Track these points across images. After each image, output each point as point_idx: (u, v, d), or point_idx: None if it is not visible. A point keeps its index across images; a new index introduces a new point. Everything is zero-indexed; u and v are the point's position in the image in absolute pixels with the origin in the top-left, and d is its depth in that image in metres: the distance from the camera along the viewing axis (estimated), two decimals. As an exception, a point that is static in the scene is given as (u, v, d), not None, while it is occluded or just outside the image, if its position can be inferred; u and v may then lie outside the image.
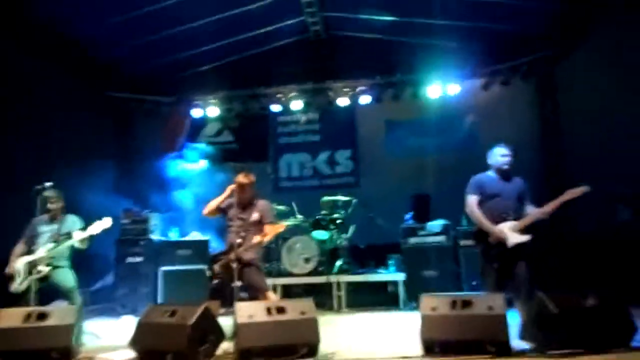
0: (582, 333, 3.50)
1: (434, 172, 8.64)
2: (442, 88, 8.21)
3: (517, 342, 3.73)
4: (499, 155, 4.45)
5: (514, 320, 3.94)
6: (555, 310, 3.55)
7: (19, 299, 4.68)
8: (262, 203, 4.74)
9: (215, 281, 4.52)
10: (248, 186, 4.63)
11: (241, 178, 4.65)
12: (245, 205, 4.65)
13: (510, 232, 4.21)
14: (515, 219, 4.27)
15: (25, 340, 3.96)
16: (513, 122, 8.23)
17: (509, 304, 3.93)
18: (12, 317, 4.08)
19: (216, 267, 4.55)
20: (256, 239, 4.46)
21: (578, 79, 7.58)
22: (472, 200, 4.41)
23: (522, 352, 3.60)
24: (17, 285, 4.78)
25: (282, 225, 4.70)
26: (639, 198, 6.51)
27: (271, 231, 4.55)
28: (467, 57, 7.96)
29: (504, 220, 4.26)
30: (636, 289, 4.91)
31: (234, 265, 4.32)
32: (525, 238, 4.21)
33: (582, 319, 3.56)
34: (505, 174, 4.44)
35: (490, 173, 4.50)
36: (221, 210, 4.74)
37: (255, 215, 4.62)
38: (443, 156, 8.69)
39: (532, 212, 4.31)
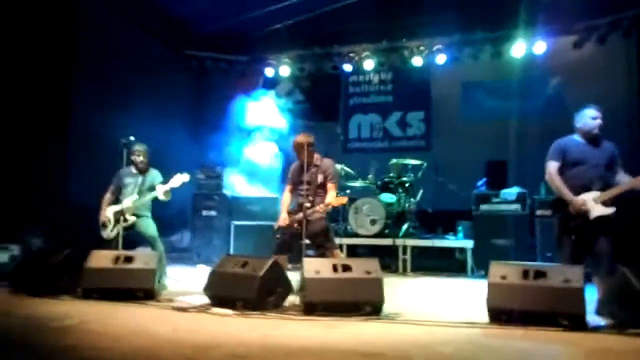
0: (668, 314, 3.25)
1: (513, 137, 8.18)
2: (527, 46, 7.61)
3: (593, 318, 3.54)
4: (589, 117, 4.06)
5: (591, 296, 3.73)
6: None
7: (108, 244, 5.13)
8: (326, 163, 4.76)
9: (280, 237, 4.67)
10: (307, 147, 4.65)
11: (300, 138, 4.70)
12: (309, 166, 4.70)
13: (594, 204, 3.90)
14: (601, 189, 3.93)
15: (115, 280, 4.36)
16: (606, 86, 7.51)
17: (587, 279, 3.71)
18: (103, 259, 4.49)
19: (284, 224, 4.68)
20: (319, 206, 4.54)
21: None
22: (552, 166, 4.10)
23: (597, 328, 3.42)
24: (108, 232, 5.23)
25: (344, 198, 4.78)
26: None
27: (334, 202, 4.59)
28: (558, 10, 7.24)
29: (588, 189, 3.93)
30: None
31: (302, 225, 4.42)
32: (609, 211, 3.88)
33: (670, 299, 3.29)
34: (593, 139, 4.07)
35: (577, 137, 4.14)
36: (294, 185, 4.82)
37: (320, 177, 4.68)
38: (524, 121, 8.17)
39: (623, 182, 3.95)
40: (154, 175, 5.39)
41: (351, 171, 7.47)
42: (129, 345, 2.96)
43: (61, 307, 4.05)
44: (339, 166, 6.80)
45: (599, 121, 4.05)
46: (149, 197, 5.22)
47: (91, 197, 5.63)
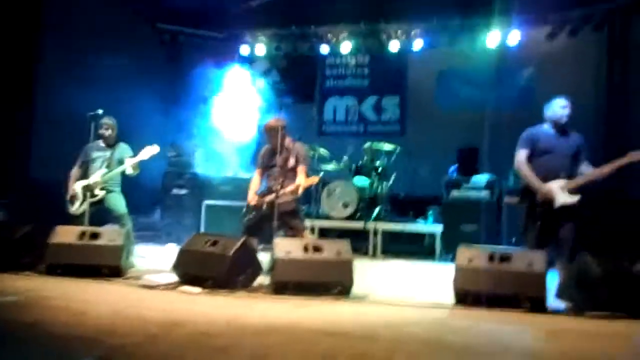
0: (623, 297, 3.39)
1: (486, 125, 8.34)
2: (501, 36, 7.69)
3: (554, 301, 3.67)
4: (559, 106, 4.16)
5: (553, 281, 3.86)
6: (599, 271, 3.43)
7: (75, 220, 4.99)
8: (297, 146, 4.74)
9: (247, 218, 4.64)
10: (279, 130, 4.62)
11: (271, 122, 4.68)
12: (281, 150, 4.67)
13: (559, 192, 4.03)
14: (567, 178, 4.06)
15: (80, 256, 4.25)
16: (576, 78, 7.68)
17: (550, 264, 3.84)
18: (68, 234, 4.38)
19: (252, 207, 4.65)
20: (289, 188, 4.52)
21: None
22: (521, 154, 4.20)
23: (557, 311, 3.55)
24: (76, 207, 5.07)
25: (316, 178, 4.77)
26: None
27: (305, 182, 4.59)
28: (533, 2, 7.35)
29: (555, 178, 4.06)
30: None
31: (271, 207, 4.40)
32: (574, 199, 4.01)
33: (626, 284, 3.43)
34: (562, 129, 4.18)
35: (546, 127, 4.24)
36: (263, 169, 4.78)
37: (291, 161, 4.66)
38: (496, 110, 8.33)
39: (587, 172, 4.08)
40: (123, 148, 5.25)
41: (326, 153, 7.46)
42: (91, 321, 2.91)
43: (23, 282, 3.94)
44: (313, 148, 6.79)
45: (567, 110, 4.15)
46: (118, 171, 5.09)
47: (56, 171, 5.46)
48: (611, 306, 3.39)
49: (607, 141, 7.52)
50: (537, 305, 3.48)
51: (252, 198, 4.68)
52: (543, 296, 3.51)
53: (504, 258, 3.68)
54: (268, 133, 4.70)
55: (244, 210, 4.75)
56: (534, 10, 7.44)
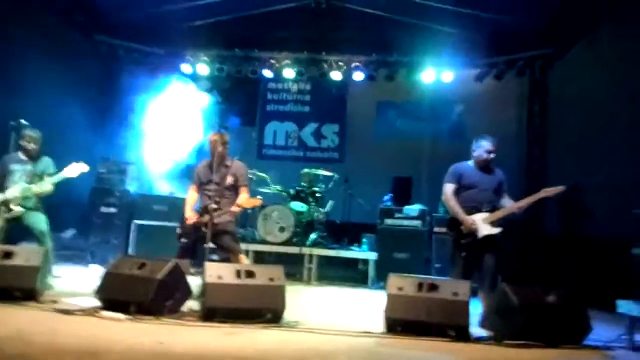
0: (539, 327, 3.61)
1: (419, 156, 8.73)
2: (436, 74, 8.16)
3: (476, 330, 3.83)
4: (484, 150, 4.45)
5: (477, 309, 4.04)
6: (517, 302, 3.64)
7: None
8: (236, 165, 4.68)
9: (185, 240, 4.49)
10: (223, 143, 4.56)
11: (215, 135, 4.59)
12: (219, 167, 4.59)
13: (482, 224, 4.29)
14: (489, 211, 4.34)
15: (-11, 277, 3.91)
16: (501, 117, 8.32)
17: (474, 293, 4.03)
18: (-24, 253, 4.02)
19: (188, 227, 4.51)
20: (232, 207, 4.44)
21: (571, 81, 7.61)
22: (448, 188, 4.47)
23: (479, 339, 3.70)
24: None
25: (258, 200, 4.69)
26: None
27: (247, 203, 4.54)
28: (465, 45, 7.89)
29: (478, 211, 4.33)
30: (596, 290, 5.08)
31: (207, 228, 4.29)
32: (495, 230, 4.29)
33: (542, 314, 3.66)
34: (486, 167, 4.48)
35: (471, 163, 4.54)
36: (199, 185, 4.68)
37: (229, 179, 4.59)
38: (430, 142, 8.80)
39: (507, 206, 4.38)
40: (46, 163, 4.94)
41: (265, 176, 7.43)
42: (0, 351, 2.67)
43: None
44: (252, 171, 6.74)
45: (492, 155, 4.47)
46: (40, 189, 4.76)
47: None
48: (528, 335, 3.59)
49: (527, 177, 8.11)
50: (462, 333, 3.62)
51: (189, 216, 4.53)
52: (466, 324, 3.65)
53: (432, 287, 3.81)
54: (212, 145, 4.57)
55: (179, 229, 4.59)
56: (463, 53, 7.98)
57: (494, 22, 7.53)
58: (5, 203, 4.70)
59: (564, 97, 7.79)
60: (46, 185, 4.75)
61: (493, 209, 4.36)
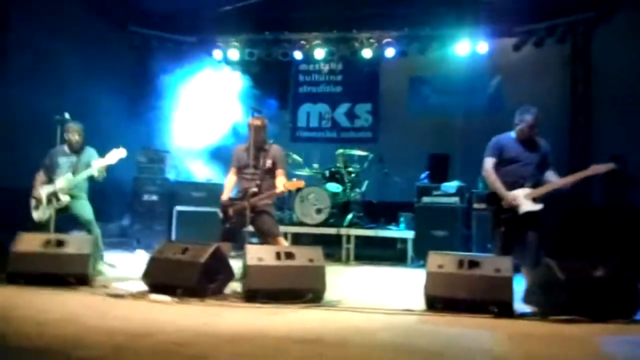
0: (586, 302, 3.51)
1: (456, 132, 8.51)
2: (471, 46, 7.89)
3: (520, 306, 3.76)
4: (527, 125, 4.20)
5: (520, 285, 3.97)
6: (563, 277, 3.54)
7: (41, 227, 4.84)
8: (274, 148, 4.70)
9: (227, 225, 4.59)
10: (261, 129, 4.60)
11: (255, 119, 4.61)
12: (258, 151, 4.64)
13: (524, 199, 4.14)
14: (532, 186, 4.18)
15: (45, 264, 4.13)
16: (542, 87, 7.94)
17: (516, 269, 3.94)
18: (32, 242, 4.24)
19: (229, 211, 4.60)
20: (272, 191, 4.48)
21: (615, 46, 7.22)
22: (489, 162, 4.31)
23: (523, 315, 3.64)
24: (40, 214, 4.93)
25: (301, 182, 4.71)
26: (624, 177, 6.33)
27: (290, 185, 4.56)
28: (501, 14, 7.57)
29: (520, 186, 4.18)
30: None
31: (247, 212, 4.36)
32: (537, 207, 4.13)
33: (589, 288, 3.56)
34: (529, 139, 4.30)
35: (513, 134, 4.35)
36: (239, 168, 4.74)
37: (268, 162, 4.61)
38: (466, 117, 8.53)
39: (552, 181, 4.21)
40: (90, 153, 5.12)
41: (299, 159, 7.47)
42: (54, 333, 2.83)
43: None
44: (287, 153, 6.77)
45: (535, 130, 4.26)
46: (84, 175, 4.94)
47: (20, 177, 5.28)
48: (574, 310, 3.50)
49: (571, 148, 7.80)
50: (505, 309, 3.56)
51: (228, 203, 4.60)
52: (510, 301, 3.59)
53: (473, 264, 3.76)
54: (252, 129, 4.59)
55: (221, 214, 4.68)
56: (500, 22, 7.66)
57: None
58: (55, 194, 4.92)
59: (608, 64, 7.40)
60: (95, 172, 4.92)
61: (536, 183, 4.19)
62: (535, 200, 4.15)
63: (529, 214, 4.12)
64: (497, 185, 4.22)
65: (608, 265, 3.70)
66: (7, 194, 5.48)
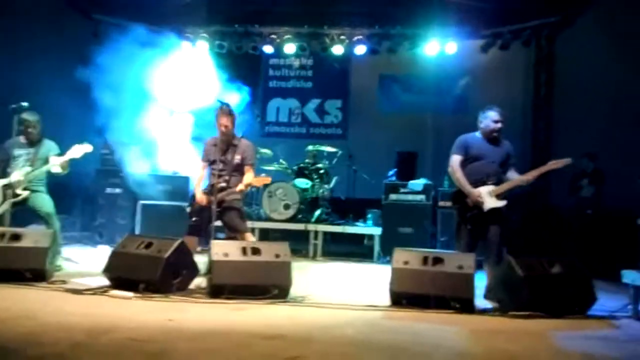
0: (544, 298, 3.63)
1: (424, 130, 8.67)
2: (440, 45, 8.02)
3: (481, 302, 3.86)
4: (491, 120, 4.35)
5: (482, 282, 4.07)
6: (522, 273, 3.65)
7: (-5, 221, 4.63)
8: (244, 143, 4.64)
9: (194, 219, 4.51)
10: (229, 121, 4.52)
11: (220, 112, 4.50)
12: (228, 146, 4.58)
13: (488, 196, 4.24)
14: (495, 184, 4.28)
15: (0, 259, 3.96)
16: (507, 89, 8.21)
17: (479, 266, 4.04)
18: (-16, 236, 4.06)
19: (196, 205, 4.52)
20: (239, 186, 4.43)
21: (577, 49, 7.49)
22: (455, 160, 4.40)
23: (484, 311, 3.74)
24: None
25: (267, 178, 4.67)
26: (600, 175, 6.62)
27: (256, 182, 4.53)
28: (469, 16, 7.74)
29: (484, 183, 4.28)
30: (600, 261, 5.10)
31: (214, 206, 4.30)
32: (501, 203, 4.24)
33: (546, 285, 3.68)
34: (493, 138, 4.41)
35: (478, 134, 4.46)
36: (208, 162, 4.65)
37: (237, 158, 4.56)
38: (435, 116, 8.71)
39: (513, 178, 4.34)
40: (49, 146, 4.94)
41: (269, 153, 7.42)
42: (12, 331, 2.72)
43: None
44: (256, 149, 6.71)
45: (499, 125, 4.37)
46: (43, 169, 4.78)
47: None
48: (533, 306, 3.61)
49: (533, 149, 8.05)
50: (466, 305, 3.65)
51: (200, 198, 4.52)
52: (471, 297, 3.68)
53: (437, 260, 3.83)
54: (221, 118, 4.48)
55: (189, 208, 4.59)
56: (469, 23, 7.82)
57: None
58: (11, 187, 4.71)
59: (571, 67, 7.67)
60: (56, 168, 4.75)
61: (499, 181, 4.31)
62: (498, 197, 4.25)
63: (493, 210, 4.22)
64: (463, 181, 4.31)
65: (565, 261, 3.83)
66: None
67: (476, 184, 4.28)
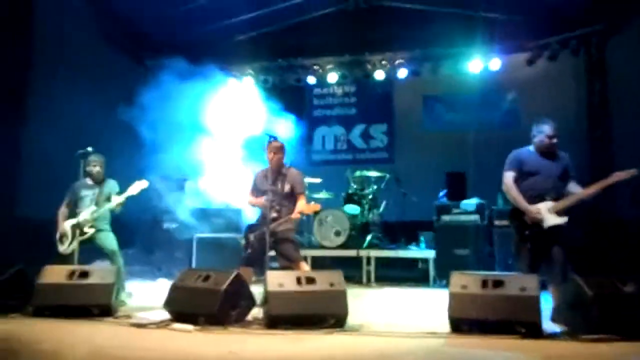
0: (617, 319, 3.40)
1: (472, 149, 8.47)
2: (483, 63, 7.92)
3: (548, 325, 3.66)
4: (545, 135, 4.16)
5: (547, 303, 3.87)
6: (591, 293, 3.45)
7: (65, 259, 4.90)
8: (293, 172, 4.73)
9: (249, 250, 4.60)
10: (279, 154, 4.64)
11: (271, 146, 4.64)
12: (277, 175, 4.68)
13: (547, 213, 4.06)
14: (554, 199, 4.09)
15: (69, 296, 4.18)
16: (557, 100, 7.93)
17: (543, 286, 3.85)
18: (56, 274, 4.31)
19: (251, 237, 4.62)
20: (292, 215, 4.50)
21: (630, 56, 7.16)
22: (509, 176, 4.24)
23: (553, 335, 3.54)
24: (65, 247, 5.00)
25: (317, 206, 4.72)
26: None
27: (307, 209, 4.58)
28: (512, 30, 7.60)
29: (542, 199, 4.09)
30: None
31: (267, 237, 4.37)
32: (562, 220, 4.04)
33: (619, 305, 3.44)
34: (548, 152, 4.22)
35: (532, 148, 4.29)
36: (256, 194, 4.78)
37: (287, 187, 4.64)
38: (482, 133, 8.51)
39: (574, 192, 4.12)
40: (111, 185, 5.23)
41: (317, 181, 7.49)
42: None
43: (9, 326, 3.85)
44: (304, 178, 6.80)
45: (555, 140, 4.19)
46: (106, 207, 5.06)
47: (44, 210, 5.39)
48: (605, 328, 3.39)
49: (591, 160, 7.68)
50: (532, 330, 3.47)
51: (251, 229, 4.63)
52: (537, 320, 3.50)
53: (498, 283, 3.68)
54: (272, 152, 4.64)
55: (244, 240, 4.70)
56: (512, 38, 7.68)
57: (540, 1, 7.20)
58: (79, 226, 5.01)
59: (623, 74, 7.33)
60: (113, 204, 5.03)
61: (559, 196, 4.10)
62: (559, 213, 4.06)
63: (554, 228, 4.02)
64: (519, 199, 4.15)
65: (637, 280, 3.58)
66: (33, 228, 5.58)
67: (534, 200, 4.10)
